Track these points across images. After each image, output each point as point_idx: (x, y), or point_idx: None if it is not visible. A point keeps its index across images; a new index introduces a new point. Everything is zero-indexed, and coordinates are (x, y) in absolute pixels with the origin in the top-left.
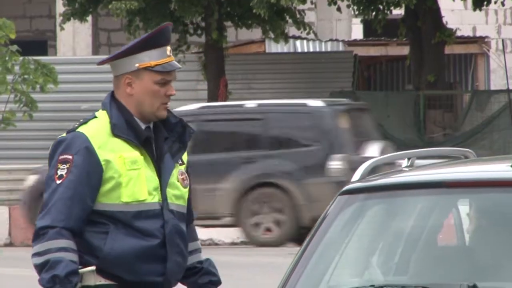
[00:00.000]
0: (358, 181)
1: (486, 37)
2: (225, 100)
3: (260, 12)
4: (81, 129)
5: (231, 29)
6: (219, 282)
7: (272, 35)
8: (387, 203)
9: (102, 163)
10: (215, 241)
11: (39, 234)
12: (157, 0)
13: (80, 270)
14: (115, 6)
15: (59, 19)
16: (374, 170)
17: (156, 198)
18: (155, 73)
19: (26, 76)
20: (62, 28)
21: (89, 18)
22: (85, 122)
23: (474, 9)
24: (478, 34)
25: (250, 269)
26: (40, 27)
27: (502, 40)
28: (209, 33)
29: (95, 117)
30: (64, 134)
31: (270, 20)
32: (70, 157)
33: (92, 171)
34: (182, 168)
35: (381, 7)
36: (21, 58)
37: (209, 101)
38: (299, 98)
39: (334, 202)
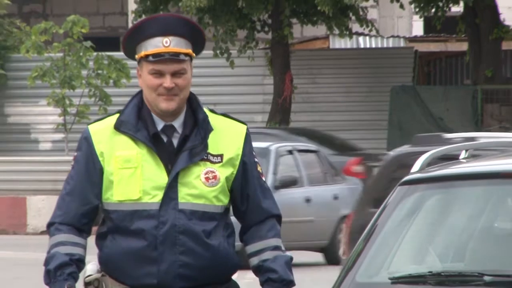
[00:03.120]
0: (418, 172)
1: None
2: (290, 95)
3: (325, 9)
4: (92, 125)
5: (296, 26)
6: (280, 279)
7: (336, 31)
8: (445, 193)
9: (100, 159)
10: None
11: (48, 232)
12: None
13: (87, 279)
14: (185, 4)
15: (131, 16)
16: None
17: (157, 197)
18: (147, 63)
19: (99, 71)
20: None
21: None
22: (104, 117)
23: None
24: None
25: (313, 256)
26: (113, 24)
27: None
28: (277, 30)
29: (117, 112)
30: None
31: (334, 17)
32: (76, 153)
33: (91, 167)
34: (215, 167)
35: (440, 4)
36: (94, 53)
37: (274, 95)
38: (362, 92)
39: (395, 192)
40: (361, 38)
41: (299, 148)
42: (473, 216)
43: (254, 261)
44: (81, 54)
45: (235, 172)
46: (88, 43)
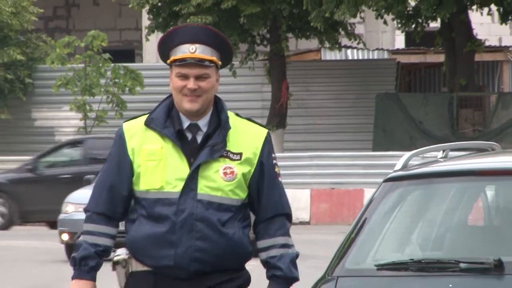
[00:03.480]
0: (400, 170)
1: (511, 46)
2: (287, 101)
3: (317, 25)
4: (126, 123)
5: (292, 40)
6: (284, 276)
7: (327, 44)
8: (425, 189)
9: (129, 153)
10: None
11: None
12: (228, 15)
13: (115, 258)
14: (193, 20)
15: (144, 31)
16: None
17: (178, 187)
18: (175, 67)
19: (116, 80)
20: (147, 39)
21: None
22: (139, 116)
23: (501, 23)
24: (503, 44)
25: (306, 245)
26: (129, 38)
27: None
28: (274, 43)
29: (148, 112)
30: None
31: (326, 32)
32: (111, 148)
33: (122, 160)
34: (234, 163)
35: (420, 20)
36: (112, 64)
37: (272, 101)
38: (350, 99)
39: (380, 188)
40: (349, 51)
41: None
42: (450, 210)
43: (263, 256)
44: (100, 65)
45: (252, 171)
46: (107, 55)
